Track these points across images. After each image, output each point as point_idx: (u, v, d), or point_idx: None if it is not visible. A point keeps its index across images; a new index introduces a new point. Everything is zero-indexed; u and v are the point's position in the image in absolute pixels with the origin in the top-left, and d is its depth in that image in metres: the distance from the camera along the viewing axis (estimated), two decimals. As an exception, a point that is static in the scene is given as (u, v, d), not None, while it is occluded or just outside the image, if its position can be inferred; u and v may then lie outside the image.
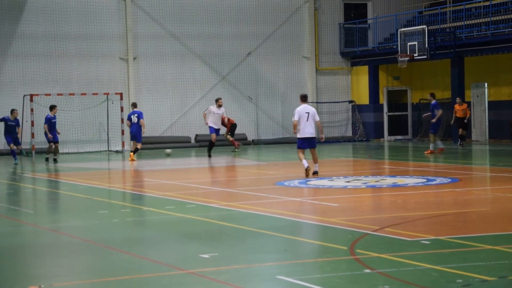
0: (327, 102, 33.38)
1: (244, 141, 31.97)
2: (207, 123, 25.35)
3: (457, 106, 26.32)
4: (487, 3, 28.81)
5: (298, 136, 17.71)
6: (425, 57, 28.83)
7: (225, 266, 8.40)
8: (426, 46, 28.59)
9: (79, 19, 30.34)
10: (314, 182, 16.64)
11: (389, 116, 33.84)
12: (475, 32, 28.88)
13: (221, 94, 32.44)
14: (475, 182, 17.11)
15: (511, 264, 8.23)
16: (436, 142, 24.88)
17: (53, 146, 24.43)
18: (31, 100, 28.03)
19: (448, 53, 29.34)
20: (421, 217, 11.60)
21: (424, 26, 29.07)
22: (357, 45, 33.74)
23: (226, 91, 32.43)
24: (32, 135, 27.87)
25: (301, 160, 17.79)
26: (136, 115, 24.51)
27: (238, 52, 32.58)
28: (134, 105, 25.18)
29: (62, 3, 30.08)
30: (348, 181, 16.75)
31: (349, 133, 34.17)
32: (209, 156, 25.10)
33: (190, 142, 31.81)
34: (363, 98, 33.98)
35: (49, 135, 24.05)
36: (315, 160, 17.71)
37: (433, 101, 25.03)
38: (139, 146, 24.66)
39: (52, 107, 24.78)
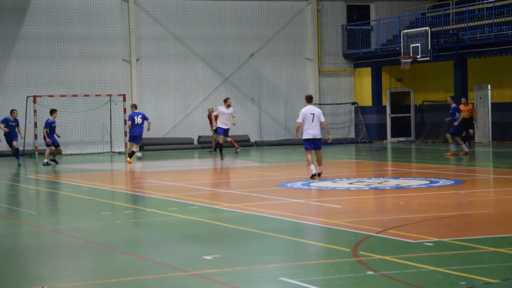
0: (330, 104, 33.36)
1: (247, 143, 31.97)
2: (212, 127, 25.15)
3: (462, 107, 26.27)
4: (490, 5, 28.80)
5: (303, 137, 17.64)
6: (428, 58, 28.82)
7: (228, 268, 8.40)
8: (429, 47, 28.58)
9: (82, 20, 30.37)
10: (317, 183, 16.63)
11: (392, 118, 33.82)
12: (478, 33, 28.86)
13: (224, 95, 32.42)
14: (478, 184, 17.09)
15: (514, 266, 8.22)
16: (461, 146, 24.73)
17: (54, 149, 24.40)
18: (34, 102, 28.05)
19: (451, 55, 29.32)
20: (424, 219, 11.58)
21: (427, 28, 29.05)
22: (360, 46, 33.73)
23: (229, 92, 32.40)
24: (35, 136, 27.88)
25: (308, 164, 17.71)
26: (140, 116, 24.31)
27: (241, 53, 32.59)
28: (135, 106, 24.99)
29: (65, 5, 30.11)
30: (351, 183, 16.73)
31: (352, 135, 34.16)
32: (221, 156, 24.55)
33: (193, 143, 31.82)
34: (366, 100, 33.97)
35: (47, 140, 24.00)
36: (319, 162, 17.66)
37: (453, 105, 24.96)
38: (136, 148, 24.54)
39: (53, 111, 24.75)
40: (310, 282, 7.63)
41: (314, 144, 17.57)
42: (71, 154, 29.54)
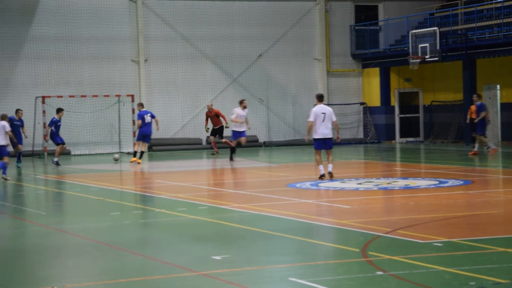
0: (338, 104, 33.32)
1: (255, 143, 31.98)
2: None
3: (473, 107, 26.06)
4: (499, 5, 28.71)
5: (314, 137, 17.45)
6: (437, 59, 28.75)
7: (237, 268, 8.40)
8: (438, 48, 28.52)
9: (91, 21, 30.44)
10: (325, 184, 16.61)
11: (400, 118, 33.76)
12: (487, 33, 28.78)
13: (232, 96, 32.49)
14: (487, 184, 17.04)
15: (524, 267, 8.19)
16: (488, 144, 24.61)
17: (64, 148, 24.43)
18: (43, 102, 28.12)
19: (459, 55, 29.25)
20: (433, 219, 11.56)
21: (435, 28, 28.99)
22: (368, 47, 33.69)
23: (237, 93, 32.43)
24: (44, 137, 27.94)
25: (317, 164, 17.64)
26: (149, 114, 24.27)
27: (249, 54, 32.60)
28: (142, 104, 24.91)
29: (73, 6, 30.19)
30: (360, 183, 16.71)
31: (361, 135, 34.12)
32: (231, 159, 24.12)
33: (201, 144, 31.84)
34: (375, 100, 33.92)
35: (46, 138, 24.03)
36: (330, 161, 17.49)
37: (479, 102, 24.84)
38: (145, 148, 24.48)
39: (58, 110, 24.83)
40: (319, 282, 7.62)
41: (324, 144, 17.39)
42: (80, 155, 29.60)
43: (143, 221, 12.56)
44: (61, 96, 28.97)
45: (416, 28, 31.28)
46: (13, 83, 29.59)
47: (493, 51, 28.71)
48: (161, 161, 26.21)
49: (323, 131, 17.27)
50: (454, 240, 9.72)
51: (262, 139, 32.79)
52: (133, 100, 29.81)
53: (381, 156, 26.28)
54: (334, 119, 17.45)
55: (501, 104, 30.11)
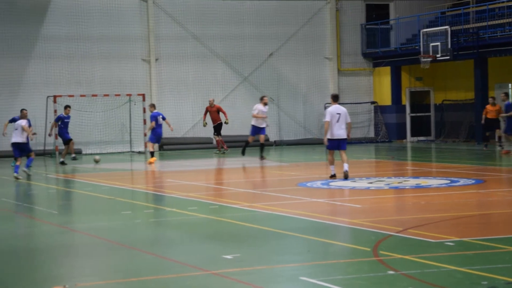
0: (349, 103, 33.25)
1: (266, 142, 31.90)
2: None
3: (489, 107, 25.87)
4: (511, 3, 28.58)
5: (328, 137, 17.25)
6: (448, 57, 28.66)
7: (248, 267, 8.40)
8: (449, 46, 28.43)
9: (102, 20, 30.50)
10: (336, 183, 16.58)
11: (411, 117, 33.67)
12: (498, 32, 28.66)
13: (243, 95, 32.51)
14: (499, 184, 16.97)
15: (536, 266, 8.15)
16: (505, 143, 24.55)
17: (72, 146, 24.49)
18: (55, 102, 28.20)
19: (471, 54, 29.14)
20: (445, 218, 11.52)
21: (447, 27, 28.89)
22: (379, 46, 33.61)
23: (248, 92, 32.44)
24: (56, 136, 28.01)
25: (329, 164, 17.55)
26: (160, 116, 24.25)
27: (259, 53, 32.59)
28: (154, 106, 24.90)
29: (84, 5, 30.26)
30: (371, 182, 16.68)
31: (372, 134, 34.05)
32: (243, 154, 23.96)
33: (212, 143, 31.82)
34: (386, 99, 33.84)
35: (50, 133, 24.13)
36: (344, 161, 17.19)
37: (507, 101, 24.72)
38: (154, 148, 24.49)
39: (65, 107, 25.07)
40: (330, 281, 7.61)
41: (339, 145, 17.21)
42: (91, 154, 29.67)
43: (154, 220, 12.58)
44: (72, 96, 29.04)
45: (427, 27, 31.18)
46: (25, 83, 29.69)
47: (504, 49, 28.57)
48: (172, 160, 26.24)
49: (338, 131, 17.11)
50: (465, 239, 9.69)
51: (272, 138, 32.77)
52: (144, 100, 29.86)
53: (392, 155, 26.22)
54: (349, 120, 17.29)
55: (513, 103, 29.95)
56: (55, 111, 28.06)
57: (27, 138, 20.23)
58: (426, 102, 33.92)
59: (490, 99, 26.70)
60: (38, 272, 8.65)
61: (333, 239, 10.39)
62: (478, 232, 10.42)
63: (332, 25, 33.47)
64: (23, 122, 20.23)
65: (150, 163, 23.77)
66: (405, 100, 33.61)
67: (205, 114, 27.80)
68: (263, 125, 24.11)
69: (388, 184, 16.31)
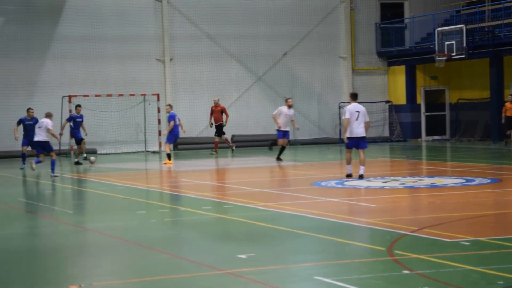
0: (363, 102, 33.02)
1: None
2: (280, 126, 23.45)
3: (508, 105, 25.63)
4: (526, 1, 28.44)
5: (347, 135, 17.16)
6: (463, 56, 28.53)
7: (263, 267, 8.39)
8: (464, 45, 28.29)
9: (116, 21, 30.60)
10: (351, 182, 16.54)
11: (426, 116, 33.55)
12: (514, 30, 28.51)
13: (257, 94, 32.50)
14: (515, 183, 16.85)
15: (553, 266, 8.09)
16: None
17: (83, 146, 24.59)
18: (70, 102, 28.31)
19: (486, 53, 28.99)
20: (461, 218, 11.47)
21: (462, 25, 28.76)
22: (394, 45, 33.50)
23: (262, 91, 32.43)
24: (70, 136, 28.14)
25: (346, 163, 17.40)
26: (177, 116, 24.24)
27: (274, 52, 32.57)
28: (171, 106, 24.89)
29: (99, 5, 30.36)
30: (386, 182, 16.63)
31: (386, 133, 33.95)
32: (279, 159, 23.45)
33: (225, 143, 31.83)
34: (400, 98, 33.73)
35: (61, 132, 24.30)
36: (361, 162, 17.05)
37: None
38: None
39: (76, 106, 25.11)
40: (345, 281, 7.59)
41: (357, 143, 17.07)
42: (106, 154, 29.77)
43: (169, 220, 12.60)
44: (87, 96, 29.15)
45: (442, 26, 31.05)
46: (40, 83, 29.84)
47: (520, 48, 28.42)
48: (186, 160, 26.27)
49: (357, 130, 17.01)
50: (481, 238, 9.64)
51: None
52: (158, 99, 29.93)
53: (407, 155, 26.13)
54: (367, 119, 17.20)
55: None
56: (70, 111, 28.16)
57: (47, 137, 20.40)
58: (441, 101, 33.78)
59: (509, 96, 26.51)
60: (54, 272, 8.69)
61: (348, 238, 10.36)
62: (494, 232, 10.36)
63: (347, 24, 33.40)
64: (49, 124, 20.28)
65: (166, 163, 23.75)
66: (420, 99, 33.49)
67: (211, 114, 27.80)
68: (287, 129, 23.67)
69: (403, 184, 16.26)
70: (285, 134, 23.66)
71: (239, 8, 32.08)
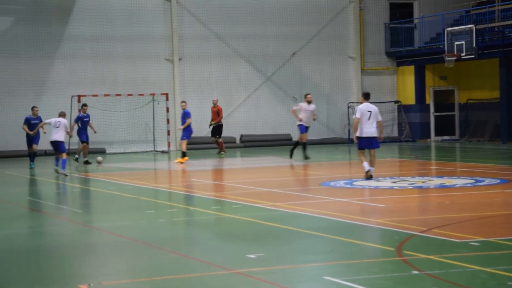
0: (372, 102, 32.99)
1: (289, 142, 31.88)
2: (300, 120, 23.27)
3: None
4: (536, 1, 28.33)
5: (358, 135, 17.01)
6: (473, 56, 28.45)
7: (272, 267, 8.39)
8: (474, 45, 28.21)
9: (125, 20, 30.66)
10: (360, 183, 16.52)
11: (435, 116, 33.47)
12: (524, 31, 28.41)
13: (266, 94, 32.50)
14: (524, 183, 16.80)
15: None
16: None
17: (87, 147, 24.55)
18: (79, 101, 28.38)
19: (496, 53, 28.90)
20: (470, 218, 11.44)
21: (471, 25, 28.68)
22: (403, 45, 33.45)
23: (271, 91, 32.43)
24: (68, 133, 28.17)
25: (361, 162, 17.20)
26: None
27: (282, 52, 32.57)
28: (186, 103, 24.96)
29: (108, 5, 30.43)
30: (395, 182, 16.59)
31: (395, 134, 33.89)
32: (307, 157, 23.40)
33: (235, 142, 31.87)
34: (409, 98, 33.67)
35: (71, 133, 24.22)
36: (372, 163, 16.96)
37: None
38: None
39: (82, 105, 25.02)
40: (353, 281, 7.58)
41: (368, 143, 16.92)
42: (115, 153, 29.83)
43: (177, 219, 12.61)
44: (97, 95, 29.22)
45: (451, 26, 30.98)
46: (49, 82, 29.92)
47: (530, 48, 28.33)
48: (195, 159, 26.28)
49: (369, 129, 16.90)
50: (491, 239, 9.61)
51: (296, 137, 32.69)
52: (167, 99, 29.98)
53: (416, 155, 26.07)
54: (380, 118, 17.13)
55: (539, 102, 29.67)
56: (79, 110, 28.24)
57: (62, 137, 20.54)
58: (450, 101, 33.70)
59: None
60: (63, 271, 8.71)
61: (357, 238, 10.34)
62: (504, 232, 10.32)
63: (356, 24, 33.36)
64: (66, 122, 20.53)
65: (180, 162, 23.71)
66: (429, 99, 33.42)
67: (217, 115, 27.84)
68: (308, 124, 23.59)
69: (412, 184, 16.22)
70: (306, 129, 23.57)
71: (248, 8, 32.09)
